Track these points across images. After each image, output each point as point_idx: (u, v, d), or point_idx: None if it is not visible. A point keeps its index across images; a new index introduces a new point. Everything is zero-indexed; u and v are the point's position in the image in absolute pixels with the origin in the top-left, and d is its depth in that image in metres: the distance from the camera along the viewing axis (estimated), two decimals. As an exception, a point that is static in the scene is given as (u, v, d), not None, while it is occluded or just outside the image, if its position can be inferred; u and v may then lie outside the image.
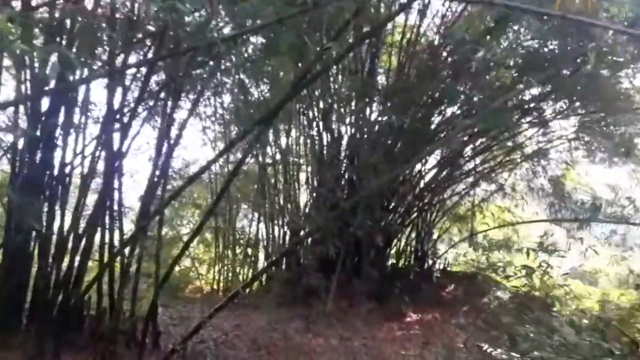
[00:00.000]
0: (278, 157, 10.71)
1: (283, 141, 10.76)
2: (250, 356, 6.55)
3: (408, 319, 8.95)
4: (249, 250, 11.36)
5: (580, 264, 14.48)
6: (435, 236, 11.35)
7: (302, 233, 9.77)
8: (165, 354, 5.67)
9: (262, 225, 11.05)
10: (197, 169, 5.48)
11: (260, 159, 10.51)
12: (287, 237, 10.36)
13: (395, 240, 10.72)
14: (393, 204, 10.31)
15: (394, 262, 10.66)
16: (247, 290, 9.73)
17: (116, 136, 5.76)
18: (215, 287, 11.28)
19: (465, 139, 9.86)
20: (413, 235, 10.99)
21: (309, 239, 9.78)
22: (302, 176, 10.76)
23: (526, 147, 11.06)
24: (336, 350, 6.72)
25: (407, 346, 7.11)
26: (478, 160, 10.92)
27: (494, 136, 10.06)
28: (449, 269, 11.41)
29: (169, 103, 5.84)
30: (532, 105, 9.60)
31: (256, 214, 11.40)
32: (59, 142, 5.78)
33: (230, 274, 11.11)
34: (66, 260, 5.58)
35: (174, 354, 5.68)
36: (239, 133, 5.56)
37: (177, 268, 11.63)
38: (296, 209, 10.43)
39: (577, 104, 9.72)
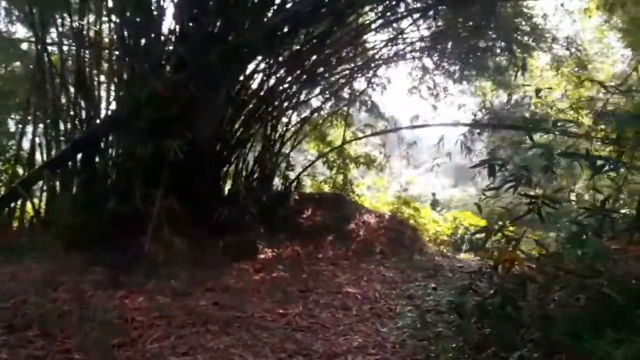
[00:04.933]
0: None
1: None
2: (9, 340, 3.48)
3: (262, 255, 6.59)
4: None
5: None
6: (287, 151, 9.01)
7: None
8: None
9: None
10: None
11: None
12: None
13: (236, 157, 8.11)
14: (230, 111, 7.59)
15: (237, 182, 8.05)
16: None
17: None
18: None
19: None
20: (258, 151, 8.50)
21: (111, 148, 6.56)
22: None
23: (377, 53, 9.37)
24: (172, 317, 4.00)
25: (278, 298, 4.73)
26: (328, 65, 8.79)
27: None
28: (302, 190, 9.24)
29: None
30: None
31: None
32: None
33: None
34: None
35: None
36: None
37: None
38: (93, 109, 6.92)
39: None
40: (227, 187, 8.17)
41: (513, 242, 2.72)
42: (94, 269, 5.18)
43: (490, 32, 8.93)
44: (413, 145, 9.19)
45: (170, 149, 5.06)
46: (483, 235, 2.73)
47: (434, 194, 15.80)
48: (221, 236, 6.31)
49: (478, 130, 8.27)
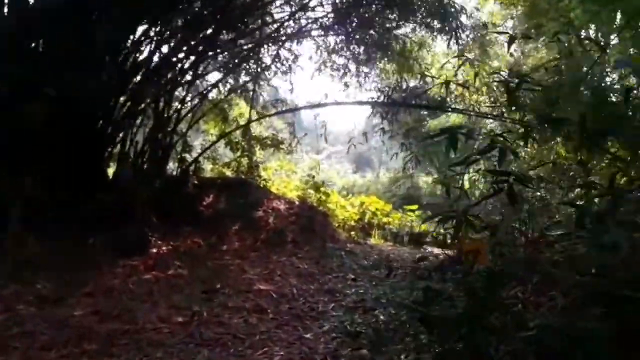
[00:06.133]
0: None
1: None
2: None
3: (155, 250, 5.65)
4: None
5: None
6: (183, 130, 7.98)
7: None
8: None
9: None
10: None
11: None
12: None
13: (122, 135, 6.99)
14: (114, 81, 6.51)
15: (124, 165, 6.92)
16: None
17: None
18: None
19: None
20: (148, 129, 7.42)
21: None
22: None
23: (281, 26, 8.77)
24: (37, 333, 3.06)
25: (176, 303, 3.92)
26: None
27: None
28: (202, 175, 8.29)
29: None
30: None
31: None
32: None
33: None
34: None
35: None
36: None
37: None
38: None
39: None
40: (112, 170, 7.04)
41: (485, 230, 2.22)
42: None
43: (395, 13, 8.68)
44: (324, 124, 8.62)
45: (27, 114, 3.96)
46: (449, 222, 2.18)
47: (313, 177, 15.56)
48: (103, 228, 5.27)
49: (386, 110, 7.92)
